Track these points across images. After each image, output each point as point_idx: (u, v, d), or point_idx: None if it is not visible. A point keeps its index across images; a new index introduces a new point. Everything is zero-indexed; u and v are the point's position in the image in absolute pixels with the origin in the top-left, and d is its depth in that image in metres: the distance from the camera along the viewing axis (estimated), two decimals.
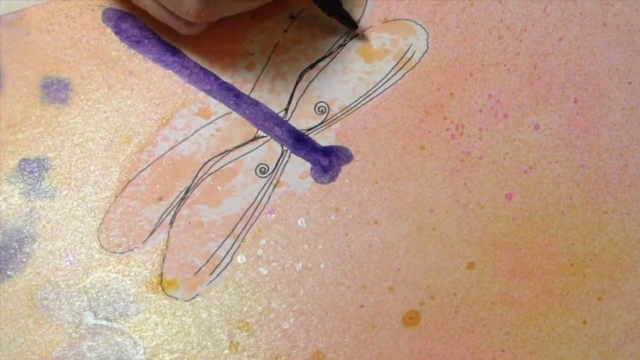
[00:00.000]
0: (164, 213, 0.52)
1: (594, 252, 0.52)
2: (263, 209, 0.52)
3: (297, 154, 0.53)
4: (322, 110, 0.54)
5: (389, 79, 0.55)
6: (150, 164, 0.53)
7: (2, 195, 0.52)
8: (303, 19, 0.56)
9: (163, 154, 0.53)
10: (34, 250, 0.51)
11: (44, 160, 0.53)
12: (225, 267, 0.51)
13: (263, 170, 0.53)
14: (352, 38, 0.56)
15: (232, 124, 0.54)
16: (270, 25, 0.56)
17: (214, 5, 0.49)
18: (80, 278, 0.50)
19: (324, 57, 0.56)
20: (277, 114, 0.54)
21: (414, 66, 0.55)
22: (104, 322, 0.50)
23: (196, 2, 0.49)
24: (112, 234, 0.51)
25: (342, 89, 0.55)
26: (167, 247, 0.51)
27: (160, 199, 0.52)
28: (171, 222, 0.52)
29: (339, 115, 0.54)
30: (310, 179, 0.53)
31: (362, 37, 0.56)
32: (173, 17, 0.52)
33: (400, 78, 0.55)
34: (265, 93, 0.55)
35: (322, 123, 0.54)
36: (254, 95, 0.55)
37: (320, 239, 0.52)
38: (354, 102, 0.55)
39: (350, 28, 0.56)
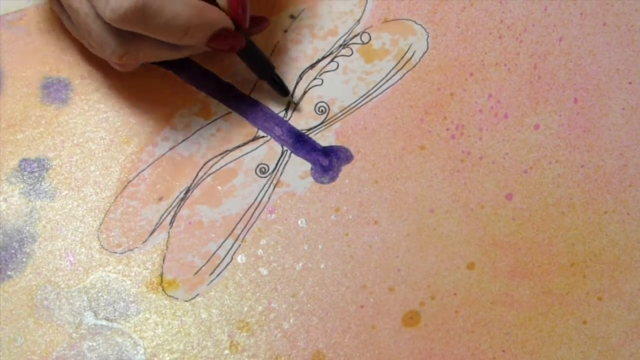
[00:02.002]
0: (164, 213, 0.52)
1: (594, 252, 0.52)
2: (263, 209, 0.52)
3: (297, 154, 0.53)
4: (322, 110, 0.54)
5: (389, 79, 0.55)
6: (150, 164, 0.53)
7: (3, 195, 0.52)
8: (303, 19, 0.56)
9: (163, 154, 0.53)
10: (34, 250, 0.51)
11: (44, 160, 0.53)
12: (226, 267, 0.51)
13: (263, 170, 0.53)
14: (289, 108, 0.55)
15: (232, 124, 0.54)
16: (270, 25, 0.56)
17: (135, 52, 0.48)
18: (81, 278, 0.50)
19: (324, 57, 0.56)
20: (277, 114, 0.54)
21: (414, 66, 0.55)
22: (104, 322, 0.50)
23: (116, 47, 0.48)
24: (113, 234, 0.51)
25: (342, 89, 0.55)
26: (167, 247, 0.51)
27: (161, 199, 0.52)
28: (171, 222, 0.52)
29: (339, 115, 0.54)
30: (311, 179, 0.53)
31: (294, 105, 0.55)
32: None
33: (401, 78, 0.55)
34: (266, 93, 0.55)
35: (322, 123, 0.54)
36: (254, 96, 0.55)
37: (320, 239, 0.52)
38: (354, 102, 0.55)
39: (282, 94, 0.54)
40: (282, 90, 0.54)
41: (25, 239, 0.51)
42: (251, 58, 0.52)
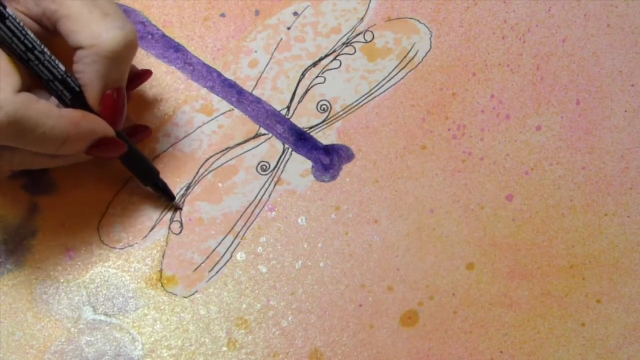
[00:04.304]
0: (164, 209, 0.52)
1: (594, 255, 0.52)
2: (263, 207, 0.52)
3: (298, 152, 0.53)
4: (324, 109, 0.54)
5: (392, 77, 0.55)
6: (151, 160, 0.53)
7: (4, 189, 0.52)
8: (307, 16, 0.56)
9: (164, 150, 0.53)
10: (34, 244, 0.51)
11: None
12: (225, 264, 0.51)
13: (264, 167, 0.53)
14: (169, 210, 0.52)
15: (234, 121, 0.54)
16: (273, 22, 0.56)
17: (9, 159, 0.46)
18: (80, 273, 0.50)
19: (326, 55, 0.56)
20: (279, 112, 0.54)
21: (417, 65, 0.55)
22: (103, 317, 0.50)
23: None
24: (113, 229, 0.51)
25: (345, 88, 0.55)
26: (167, 243, 0.51)
27: None
28: (171, 219, 0.52)
29: (340, 113, 0.54)
30: (311, 177, 0.53)
31: (179, 210, 0.52)
32: None
33: (403, 77, 0.55)
34: (268, 90, 0.55)
35: (323, 121, 0.54)
36: (256, 93, 0.55)
37: (320, 238, 0.52)
38: (356, 100, 0.55)
39: (167, 200, 0.52)
40: (166, 196, 0.52)
41: (26, 233, 0.51)
42: (133, 164, 0.50)
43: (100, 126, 0.47)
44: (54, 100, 0.46)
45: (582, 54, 0.56)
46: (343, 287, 0.51)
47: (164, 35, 0.55)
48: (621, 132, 0.54)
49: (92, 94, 0.46)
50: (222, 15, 0.56)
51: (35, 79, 0.45)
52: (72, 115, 0.45)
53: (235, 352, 0.49)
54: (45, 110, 0.43)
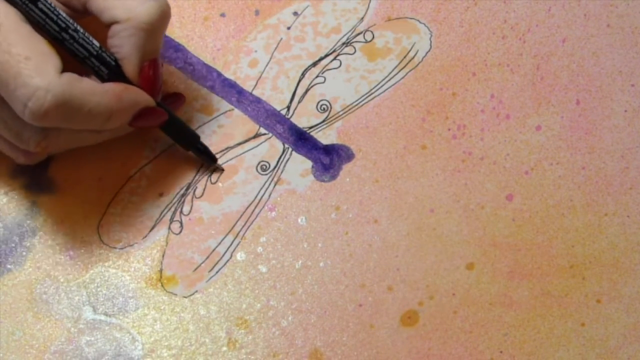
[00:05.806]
0: (164, 209, 0.52)
1: (594, 255, 0.52)
2: (263, 207, 0.52)
3: (298, 151, 0.53)
4: (324, 109, 0.54)
5: (392, 77, 0.55)
6: (151, 160, 0.53)
7: (4, 188, 0.52)
8: (307, 16, 0.56)
9: (164, 150, 0.53)
10: (34, 244, 0.51)
11: None
12: (225, 264, 0.51)
13: (264, 167, 0.53)
14: (211, 171, 0.53)
15: (234, 121, 0.54)
16: (273, 22, 0.56)
17: (55, 137, 0.46)
18: (80, 273, 0.50)
19: (326, 55, 0.56)
20: (279, 112, 0.54)
21: (417, 65, 0.55)
22: (103, 317, 0.50)
23: (34, 132, 0.46)
24: (113, 229, 0.51)
25: (345, 88, 0.55)
26: (167, 243, 0.51)
27: (161, 194, 0.52)
28: (171, 218, 0.52)
29: (340, 113, 0.54)
30: (311, 177, 0.53)
31: (219, 170, 0.53)
32: (9, 147, 0.49)
33: (403, 77, 0.55)
34: (268, 90, 0.55)
35: (324, 121, 0.54)
36: (256, 93, 0.55)
37: (320, 238, 0.52)
38: (356, 100, 0.55)
39: (209, 163, 0.53)
40: (208, 159, 0.52)
41: (26, 232, 0.51)
42: (174, 131, 0.51)
43: (142, 97, 0.48)
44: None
45: (582, 53, 0.56)
46: (343, 287, 0.51)
47: (164, 35, 0.55)
48: (621, 131, 0.54)
49: (130, 66, 0.47)
50: (222, 15, 0.56)
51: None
52: (114, 89, 0.46)
53: (235, 352, 0.49)
54: (89, 88, 0.44)
